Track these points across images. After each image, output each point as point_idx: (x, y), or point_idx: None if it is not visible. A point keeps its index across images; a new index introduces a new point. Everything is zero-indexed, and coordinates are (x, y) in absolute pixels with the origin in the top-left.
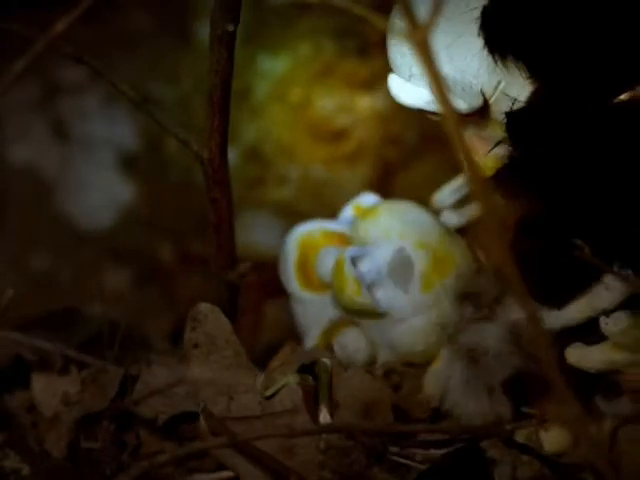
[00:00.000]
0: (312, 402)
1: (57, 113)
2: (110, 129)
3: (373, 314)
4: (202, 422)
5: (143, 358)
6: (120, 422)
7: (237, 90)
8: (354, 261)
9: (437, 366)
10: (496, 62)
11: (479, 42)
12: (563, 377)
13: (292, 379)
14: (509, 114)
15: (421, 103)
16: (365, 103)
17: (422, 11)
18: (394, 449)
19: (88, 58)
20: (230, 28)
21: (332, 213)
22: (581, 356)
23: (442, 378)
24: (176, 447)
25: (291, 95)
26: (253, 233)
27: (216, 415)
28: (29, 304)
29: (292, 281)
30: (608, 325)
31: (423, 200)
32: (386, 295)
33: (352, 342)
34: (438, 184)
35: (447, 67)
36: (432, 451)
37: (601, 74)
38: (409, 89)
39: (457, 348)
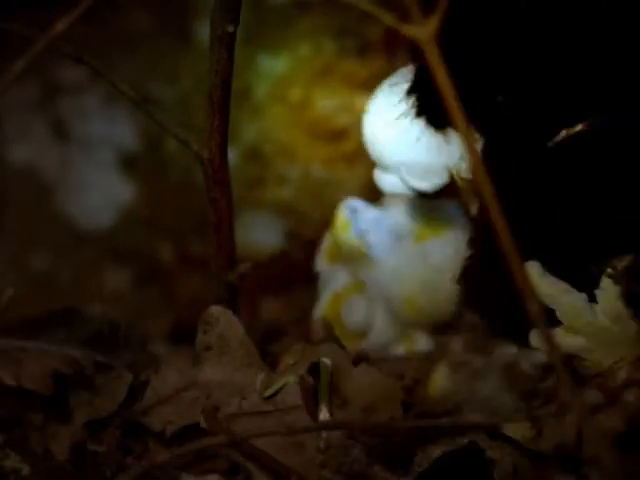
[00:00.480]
0: (312, 401)
1: (57, 113)
2: (110, 129)
3: (363, 257)
4: (202, 422)
5: (152, 362)
6: (127, 429)
7: (237, 90)
8: (352, 209)
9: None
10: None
11: (417, 125)
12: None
13: (292, 378)
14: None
15: (398, 189)
16: (365, 103)
17: None
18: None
19: (88, 58)
20: (230, 29)
21: (332, 213)
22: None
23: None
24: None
25: (291, 95)
26: (253, 233)
27: (226, 416)
28: (29, 304)
29: (321, 258)
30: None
31: None
32: (378, 241)
33: (354, 307)
34: None
35: (403, 157)
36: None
37: (532, 118)
38: (387, 179)
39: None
